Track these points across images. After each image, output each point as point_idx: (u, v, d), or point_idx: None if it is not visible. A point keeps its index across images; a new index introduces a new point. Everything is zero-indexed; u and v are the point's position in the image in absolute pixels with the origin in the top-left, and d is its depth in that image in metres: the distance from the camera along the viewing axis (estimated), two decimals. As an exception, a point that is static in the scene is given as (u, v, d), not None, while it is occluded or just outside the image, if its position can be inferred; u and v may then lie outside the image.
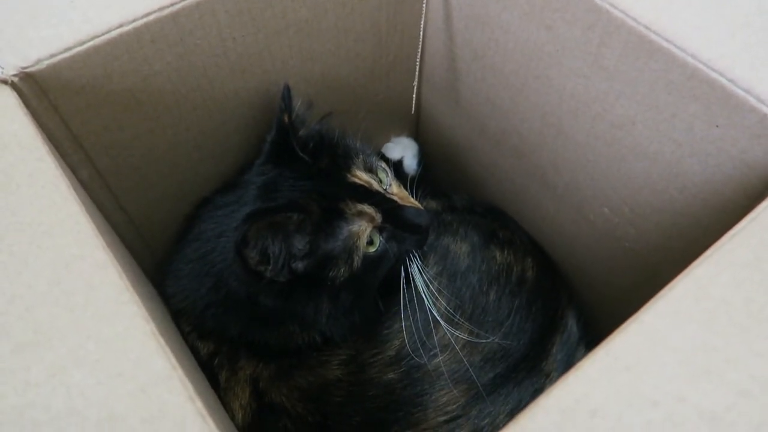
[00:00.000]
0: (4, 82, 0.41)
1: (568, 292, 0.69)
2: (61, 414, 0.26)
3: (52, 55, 0.43)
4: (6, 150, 0.37)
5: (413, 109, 0.75)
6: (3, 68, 0.41)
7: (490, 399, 0.54)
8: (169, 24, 0.48)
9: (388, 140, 0.83)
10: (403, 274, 0.57)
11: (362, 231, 0.54)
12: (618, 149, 0.55)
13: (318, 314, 0.54)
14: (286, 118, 0.56)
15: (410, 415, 0.53)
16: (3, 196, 0.35)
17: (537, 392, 0.57)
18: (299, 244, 0.51)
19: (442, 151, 0.82)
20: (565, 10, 0.50)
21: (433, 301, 0.56)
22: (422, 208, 0.60)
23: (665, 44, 0.44)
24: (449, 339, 0.55)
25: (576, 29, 0.51)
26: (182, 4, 0.47)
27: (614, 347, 0.29)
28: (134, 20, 0.45)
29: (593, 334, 0.65)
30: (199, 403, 0.28)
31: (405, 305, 0.56)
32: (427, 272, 0.58)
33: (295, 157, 0.56)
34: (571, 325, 0.64)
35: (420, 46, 0.68)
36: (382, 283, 0.57)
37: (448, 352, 0.55)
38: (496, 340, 0.56)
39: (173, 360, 0.29)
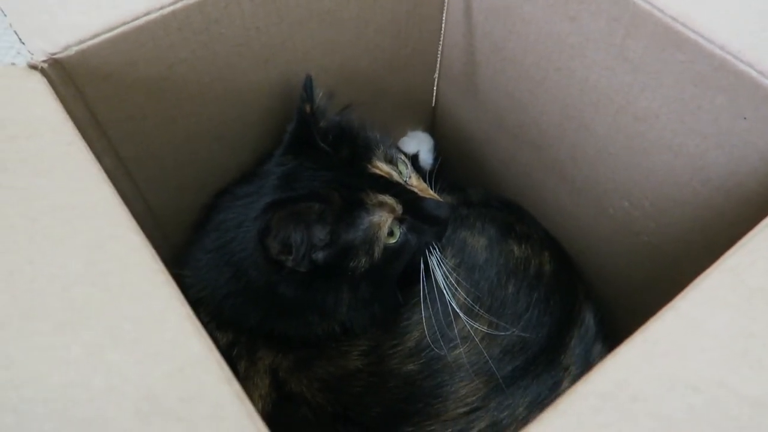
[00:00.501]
0: (35, 67, 0.41)
1: (585, 287, 0.68)
2: (101, 392, 0.26)
3: (81, 41, 0.43)
4: (37, 134, 0.37)
5: (433, 101, 0.75)
6: (33, 54, 0.41)
7: (509, 391, 0.54)
8: (195, 12, 0.48)
9: (404, 134, 0.83)
10: (422, 266, 0.57)
11: (383, 222, 0.54)
12: (640, 142, 0.55)
13: (338, 305, 0.54)
14: (307, 109, 0.56)
15: (430, 406, 0.53)
16: (36, 180, 0.35)
17: (556, 385, 0.57)
18: (320, 233, 0.51)
19: (458, 144, 0.81)
20: (590, 2, 0.50)
21: (452, 293, 0.56)
22: (441, 200, 0.60)
23: (692, 35, 0.44)
24: (468, 331, 0.55)
25: (601, 21, 0.50)
26: (209, -8, 0.48)
27: (651, 333, 0.29)
28: (161, 8, 0.45)
29: (610, 330, 0.64)
30: (236, 386, 0.28)
31: (424, 297, 0.56)
32: (446, 264, 0.58)
33: (316, 147, 0.56)
34: (589, 319, 0.64)
35: (441, 39, 0.67)
36: (401, 275, 0.57)
37: (467, 344, 0.55)
38: (517, 332, 0.56)
39: (209, 342, 0.29)
